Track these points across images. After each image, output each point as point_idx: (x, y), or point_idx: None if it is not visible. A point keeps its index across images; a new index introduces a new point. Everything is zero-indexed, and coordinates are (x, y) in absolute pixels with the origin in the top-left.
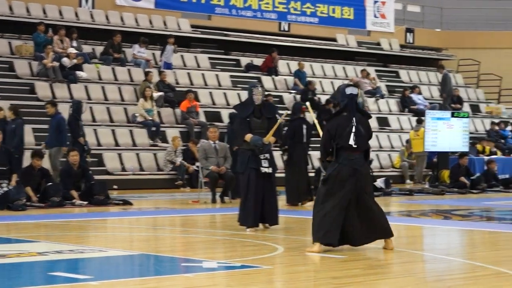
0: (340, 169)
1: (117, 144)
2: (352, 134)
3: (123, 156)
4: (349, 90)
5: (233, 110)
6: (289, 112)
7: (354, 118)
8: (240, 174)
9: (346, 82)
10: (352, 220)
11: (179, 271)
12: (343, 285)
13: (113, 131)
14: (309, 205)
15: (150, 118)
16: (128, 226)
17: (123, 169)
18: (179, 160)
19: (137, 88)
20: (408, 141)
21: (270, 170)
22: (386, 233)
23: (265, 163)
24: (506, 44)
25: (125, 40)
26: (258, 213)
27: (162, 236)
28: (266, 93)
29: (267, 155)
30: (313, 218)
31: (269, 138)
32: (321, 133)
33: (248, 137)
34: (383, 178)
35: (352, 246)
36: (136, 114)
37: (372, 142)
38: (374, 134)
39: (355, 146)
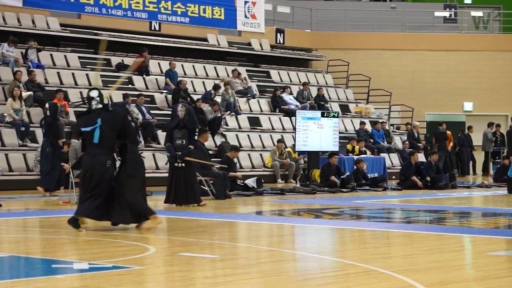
0: None
1: None
2: None
3: None
4: None
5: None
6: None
7: None
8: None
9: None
10: None
11: (49, 272)
12: (215, 285)
13: None
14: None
15: (19, 118)
16: None
17: None
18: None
19: (6, 88)
20: (279, 141)
21: None
22: None
23: None
24: (374, 45)
25: None
26: None
27: (32, 237)
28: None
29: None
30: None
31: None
32: None
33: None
34: (255, 178)
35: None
36: (5, 114)
37: (244, 142)
38: (245, 134)
39: None
